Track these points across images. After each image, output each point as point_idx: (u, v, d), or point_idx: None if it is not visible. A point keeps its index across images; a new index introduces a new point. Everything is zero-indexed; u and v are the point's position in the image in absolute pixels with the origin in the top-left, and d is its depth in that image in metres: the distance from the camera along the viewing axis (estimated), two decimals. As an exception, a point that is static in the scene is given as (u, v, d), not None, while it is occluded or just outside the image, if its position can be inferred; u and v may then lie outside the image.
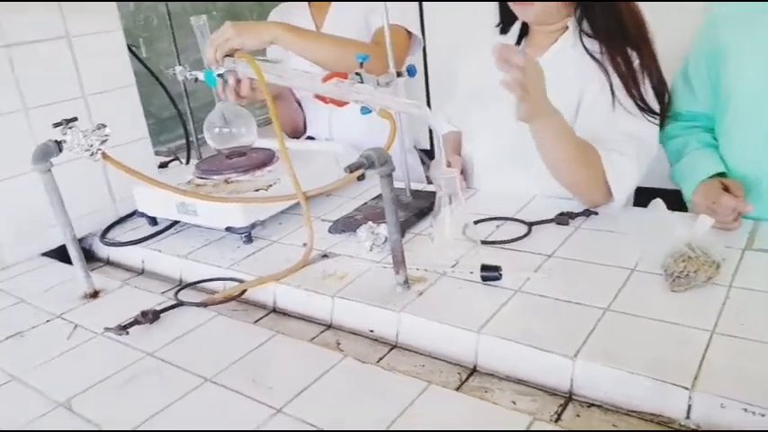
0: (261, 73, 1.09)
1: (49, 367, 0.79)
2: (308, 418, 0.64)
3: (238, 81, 1.14)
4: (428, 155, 1.81)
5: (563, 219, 0.99)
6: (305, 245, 1.00)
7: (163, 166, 1.52)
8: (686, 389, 0.61)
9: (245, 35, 1.13)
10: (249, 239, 1.07)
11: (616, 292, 0.79)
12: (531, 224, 0.99)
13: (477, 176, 1.23)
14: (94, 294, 0.97)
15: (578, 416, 0.65)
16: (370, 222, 1.00)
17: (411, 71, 1.07)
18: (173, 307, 0.88)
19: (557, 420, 0.64)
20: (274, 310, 0.93)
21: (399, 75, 1.05)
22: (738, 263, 0.82)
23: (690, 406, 0.61)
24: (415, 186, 1.18)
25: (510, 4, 1.10)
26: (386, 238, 0.96)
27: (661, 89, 1.04)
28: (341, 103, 1.00)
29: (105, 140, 0.91)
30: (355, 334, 0.84)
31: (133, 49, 1.35)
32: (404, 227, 1.03)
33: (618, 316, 0.74)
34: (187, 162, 1.51)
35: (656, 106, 1.03)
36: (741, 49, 1.00)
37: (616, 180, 0.99)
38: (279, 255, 1.02)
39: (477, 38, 1.31)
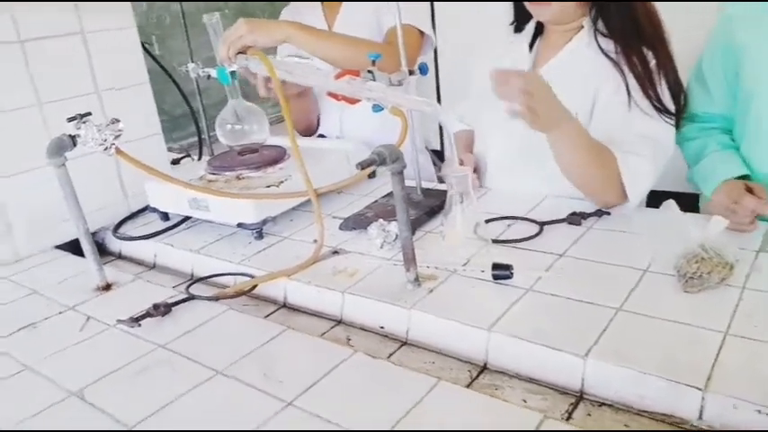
0: (273, 70, 1.10)
1: (61, 357, 0.80)
2: (319, 411, 0.64)
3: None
4: (439, 156, 1.81)
5: (575, 219, 0.99)
6: (315, 241, 1.00)
7: (175, 162, 1.53)
8: (699, 389, 0.61)
9: (258, 32, 1.14)
10: (260, 235, 1.08)
11: (628, 293, 0.78)
12: (542, 224, 0.99)
13: (489, 176, 1.23)
14: (107, 287, 0.97)
15: (589, 415, 0.65)
16: (381, 220, 1.00)
17: (423, 69, 1.07)
18: (184, 300, 0.89)
19: (567, 419, 0.64)
20: (285, 306, 0.93)
21: (411, 73, 1.05)
22: (752, 264, 0.82)
23: (702, 407, 0.61)
24: (425, 185, 1.18)
25: (526, 3, 1.10)
26: (396, 236, 0.96)
27: (677, 90, 1.04)
28: (353, 101, 1.00)
29: (119, 135, 0.92)
30: (365, 330, 0.84)
31: (147, 46, 1.36)
32: (414, 225, 1.03)
33: (630, 316, 0.74)
34: (199, 158, 1.52)
35: (672, 107, 1.03)
36: (760, 50, 0.99)
37: (631, 182, 0.98)
38: (289, 251, 1.02)
39: (489, 37, 1.31)
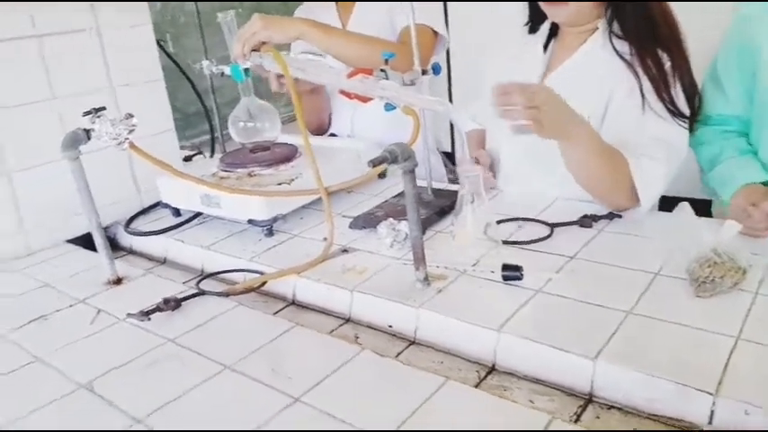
0: (287, 67, 1.10)
1: (72, 350, 0.80)
2: (326, 408, 0.64)
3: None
4: (449, 158, 1.81)
5: (586, 221, 0.98)
6: (325, 239, 1.00)
7: (187, 159, 1.54)
8: (710, 394, 0.60)
9: (273, 28, 1.14)
10: (270, 233, 1.08)
11: (639, 296, 0.78)
12: (553, 225, 0.98)
13: (501, 178, 1.23)
14: (118, 281, 0.98)
15: (598, 417, 0.64)
16: (391, 219, 1.00)
17: (436, 69, 1.07)
18: (194, 295, 0.89)
19: (576, 421, 0.64)
20: (293, 303, 0.93)
21: (425, 72, 1.05)
22: (765, 269, 0.81)
23: (713, 411, 0.60)
24: (436, 185, 1.18)
25: (541, 3, 1.10)
26: (406, 235, 0.96)
27: (692, 92, 1.03)
28: (365, 99, 1.00)
29: (132, 130, 0.93)
30: (373, 329, 0.84)
31: (161, 43, 1.37)
32: (425, 225, 1.03)
33: (640, 319, 0.73)
34: (211, 156, 1.53)
35: (686, 110, 1.02)
36: None
37: (644, 185, 0.97)
38: (299, 249, 1.02)
39: (502, 37, 1.31)
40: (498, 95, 0.86)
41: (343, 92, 1.04)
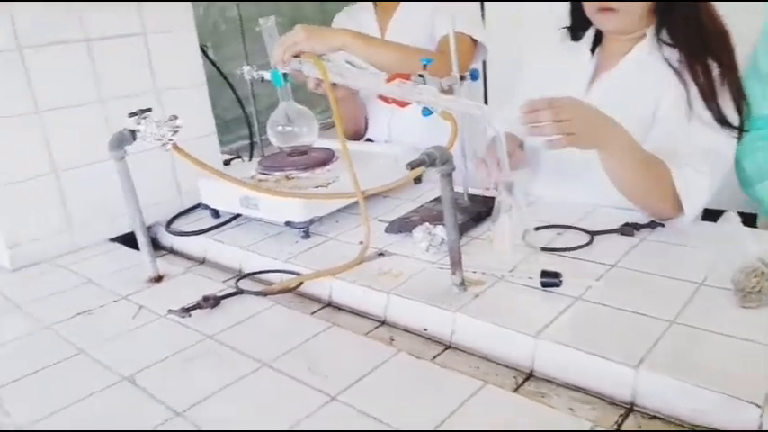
0: (326, 73, 1.12)
1: (114, 343, 0.82)
2: (362, 407, 0.64)
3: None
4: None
5: (627, 229, 0.97)
6: (361, 243, 1.01)
7: (226, 163, 1.56)
8: (758, 406, 0.58)
9: (315, 40, 1.16)
10: (307, 235, 1.09)
11: (682, 306, 0.76)
12: (593, 233, 0.97)
13: (540, 184, 1.22)
14: (159, 279, 1.00)
15: (639, 427, 0.63)
16: (427, 224, 1.00)
17: (474, 75, 1.07)
18: (233, 294, 0.91)
19: (617, 431, 0.63)
20: (329, 305, 0.94)
21: (462, 78, 1.05)
22: (815, 282, 0.78)
23: (761, 424, 0.58)
24: (472, 191, 1.17)
25: (590, 13, 1.09)
26: (442, 240, 0.96)
27: (739, 101, 1.01)
28: (403, 104, 1.01)
29: (176, 131, 0.95)
30: (409, 332, 0.84)
31: (204, 49, 1.41)
32: (461, 230, 1.02)
33: (684, 329, 0.72)
34: (250, 159, 1.55)
35: (734, 119, 1.00)
36: None
37: (688, 196, 0.96)
38: (335, 251, 1.03)
39: (540, 41, 1.30)
40: (526, 113, 0.86)
41: (381, 96, 1.04)
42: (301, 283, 0.95)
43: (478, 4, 1.50)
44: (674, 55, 1.03)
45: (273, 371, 0.72)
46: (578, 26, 1.18)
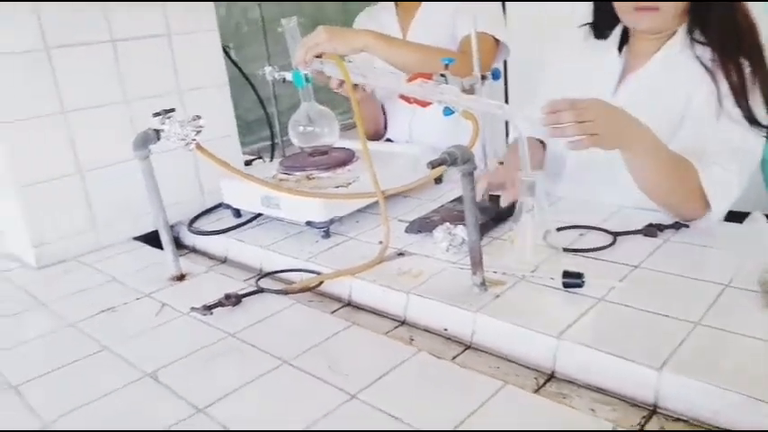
0: (348, 74, 1.12)
1: (137, 340, 0.83)
2: (382, 406, 0.64)
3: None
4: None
5: (651, 230, 0.95)
6: (381, 243, 1.01)
7: (247, 163, 1.58)
8: (785, 409, 0.57)
9: (337, 41, 1.17)
10: (327, 234, 1.10)
11: (707, 307, 0.75)
12: (616, 234, 0.96)
13: (565, 184, 1.21)
14: (181, 277, 1.01)
15: (662, 428, 0.62)
16: (447, 224, 1.00)
17: (495, 74, 1.06)
18: (254, 293, 0.91)
19: (640, 431, 0.62)
20: (349, 304, 0.94)
21: (484, 78, 1.04)
22: None
23: (788, 428, 0.57)
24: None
25: (622, 10, 1.07)
26: (463, 240, 0.96)
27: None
28: (424, 103, 1.00)
29: (200, 131, 0.96)
30: (429, 332, 0.84)
31: (227, 49, 1.42)
32: (482, 230, 1.01)
33: (709, 330, 0.70)
34: (271, 160, 1.56)
35: (764, 118, 0.98)
36: None
37: (715, 194, 0.94)
38: (355, 251, 1.03)
39: (562, 40, 1.29)
40: (548, 114, 0.86)
41: (402, 96, 1.05)
42: (321, 283, 0.96)
43: (500, 3, 1.49)
44: (705, 53, 1.02)
45: (294, 369, 0.72)
46: (604, 24, 1.16)
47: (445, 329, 0.83)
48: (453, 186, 1.26)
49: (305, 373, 0.71)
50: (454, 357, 0.78)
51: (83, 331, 0.87)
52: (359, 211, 1.16)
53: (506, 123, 1.62)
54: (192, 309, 0.86)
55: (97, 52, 1.15)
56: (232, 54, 1.54)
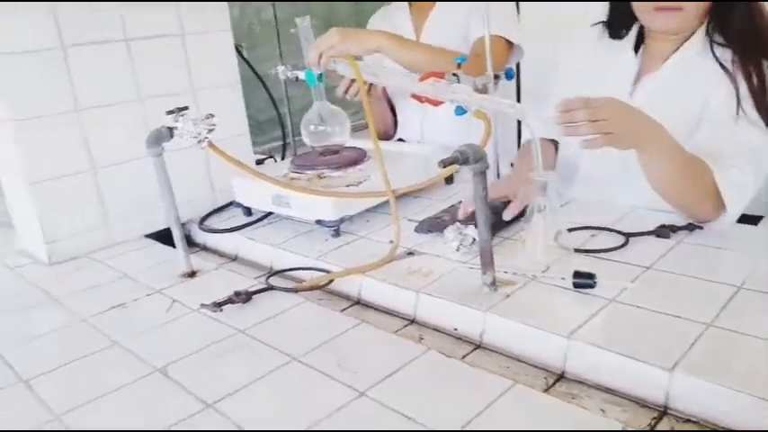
0: (360, 73, 1.12)
1: (148, 336, 0.84)
2: (391, 403, 0.64)
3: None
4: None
5: (664, 231, 0.95)
6: (391, 242, 1.01)
7: (259, 163, 1.58)
8: (799, 412, 0.56)
9: (350, 42, 1.17)
10: (337, 233, 1.10)
11: (720, 309, 0.74)
12: (628, 235, 0.95)
13: (579, 185, 1.20)
14: (192, 274, 1.02)
15: (673, 429, 0.61)
16: (458, 223, 1.00)
17: (508, 74, 1.07)
18: (264, 290, 0.92)
19: (651, 431, 0.61)
20: (358, 302, 0.94)
21: (497, 77, 1.04)
22: None
23: (802, 431, 0.56)
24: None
25: (642, 11, 1.06)
26: (473, 239, 0.96)
27: None
28: (437, 102, 1.00)
29: (212, 129, 0.96)
30: (438, 331, 0.84)
31: (239, 49, 1.43)
32: (492, 230, 1.01)
33: (721, 332, 0.70)
34: (282, 159, 1.57)
35: None
36: None
37: (731, 195, 0.93)
38: (365, 250, 1.03)
39: (576, 40, 1.28)
40: (561, 113, 0.85)
41: (414, 95, 1.05)
42: (331, 281, 0.96)
43: (514, 3, 1.49)
44: (725, 54, 1.01)
45: (303, 365, 0.72)
46: (621, 24, 1.15)
47: (455, 329, 0.83)
48: (465, 187, 1.26)
49: (314, 370, 0.71)
50: (463, 357, 0.77)
51: (94, 327, 0.88)
52: (369, 210, 1.16)
53: (518, 124, 1.61)
54: (203, 305, 0.87)
55: (111, 51, 1.16)
56: (244, 54, 1.54)
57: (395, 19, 1.56)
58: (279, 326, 0.83)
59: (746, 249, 0.89)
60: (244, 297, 0.88)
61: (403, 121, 1.63)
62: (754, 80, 0.97)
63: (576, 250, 0.93)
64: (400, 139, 1.64)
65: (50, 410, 0.69)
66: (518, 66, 2.08)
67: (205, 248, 1.24)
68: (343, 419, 0.63)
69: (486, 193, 0.81)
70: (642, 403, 0.65)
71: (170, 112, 0.95)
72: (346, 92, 1.37)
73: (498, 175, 1.21)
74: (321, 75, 1.22)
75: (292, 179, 1.20)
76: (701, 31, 1.05)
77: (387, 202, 1.07)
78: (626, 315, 0.75)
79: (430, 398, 0.65)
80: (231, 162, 1.00)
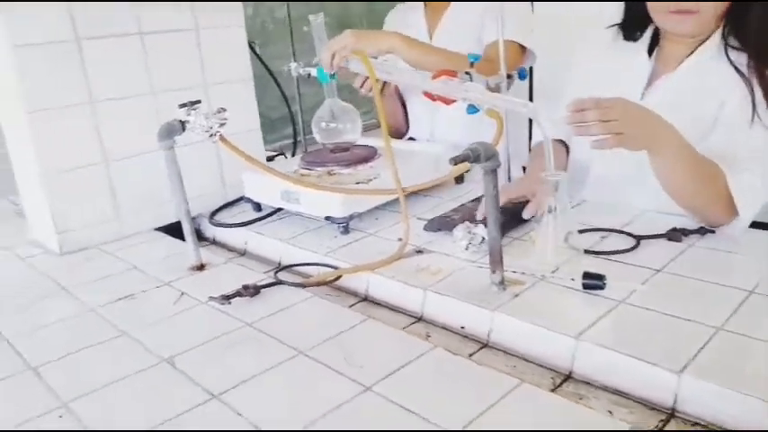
0: (372, 71, 1.12)
1: (155, 327, 0.84)
2: (397, 399, 0.64)
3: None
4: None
5: (675, 235, 0.94)
6: (400, 239, 1.01)
7: (269, 159, 1.59)
8: (810, 418, 0.56)
9: (364, 43, 1.18)
10: (346, 230, 1.10)
11: (730, 313, 0.73)
12: (639, 238, 0.95)
13: (590, 187, 1.20)
14: (201, 267, 1.02)
15: (681, 432, 0.61)
16: (468, 222, 0.99)
17: (521, 74, 1.06)
18: (272, 284, 0.92)
19: (659, 431, 0.61)
20: (366, 299, 0.94)
21: (509, 77, 1.04)
22: None
23: (813, 436, 0.55)
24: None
25: (657, 12, 1.06)
26: (483, 239, 0.95)
27: None
28: (448, 101, 1.00)
29: (224, 123, 0.97)
30: (446, 329, 0.84)
31: (253, 46, 1.43)
32: (502, 230, 1.01)
33: (731, 336, 0.69)
34: (293, 155, 1.57)
35: None
36: None
37: (743, 199, 0.92)
38: (373, 247, 1.03)
39: (590, 41, 1.27)
40: (572, 112, 0.85)
41: (426, 93, 1.05)
42: (339, 277, 0.96)
43: (529, 6, 1.48)
44: (740, 58, 1.00)
45: (309, 359, 0.72)
46: (635, 26, 1.14)
47: (462, 327, 0.82)
48: (474, 187, 1.26)
49: (320, 364, 0.71)
50: (470, 355, 0.77)
51: (102, 317, 0.88)
52: (378, 208, 1.16)
53: (529, 127, 1.61)
54: (211, 298, 0.87)
55: (126, 44, 1.17)
56: (257, 51, 1.55)
57: (409, 18, 1.56)
58: (286, 320, 0.83)
59: (758, 254, 0.89)
60: (252, 291, 0.88)
61: (413, 120, 1.63)
62: None
63: (586, 251, 0.93)
64: (411, 138, 1.64)
65: (58, 398, 0.69)
66: (531, 71, 2.08)
67: (214, 243, 1.25)
68: (349, 413, 0.63)
69: (497, 191, 0.81)
70: (650, 405, 0.65)
71: (182, 106, 0.96)
72: (362, 85, 1.37)
73: (509, 177, 1.20)
74: (333, 73, 1.22)
75: (302, 175, 1.20)
76: (717, 35, 1.04)
77: (396, 201, 1.07)
78: (635, 317, 0.75)
79: (436, 394, 0.65)
80: (242, 156, 1.00)
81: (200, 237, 1.27)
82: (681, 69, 1.07)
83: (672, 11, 1.02)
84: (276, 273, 0.99)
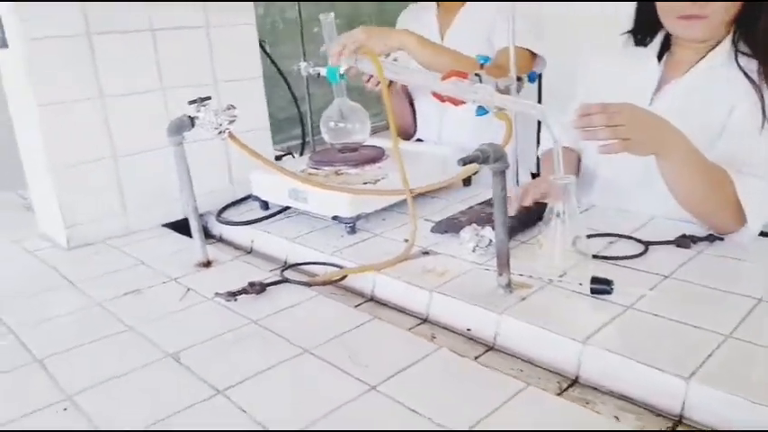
0: (382, 70, 1.12)
1: (161, 322, 0.84)
2: (401, 399, 0.64)
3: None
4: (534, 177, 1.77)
5: (684, 241, 0.93)
6: (406, 240, 1.00)
7: (277, 158, 1.59)
8: (819, 427, 0.55)
9: (374, 39, 1.18)
10: (353, 230, 1.10)
11: (739, 321, 0.73)
12: (647, 243, 0.94)
13: (598, 192, 1.19)
14: (207, 264, 1.02)
15: (689, 439, 0.60)
16: (475, 224, 0.99)
17: (531, 76, 1.06)
18: (278, 282, 0.92)
19: (665, 439, 0.60)
20: (372, 299, 0.94)
21: (519, 80, 1.04)
22: None
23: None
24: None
25: (666, 17, 1.05)
26: (490, 241, 0.95)
27: None
28: (457, 102, 1.00)
29: (233, 120, 0.97)
30: (451, 331, 0.83)
31: (263, 45, 1.43)
32: (510, 233, 1.00)
33: (740, 344, 0.68)
34: (301, 155, 1.57)
35: None
36: None
37: (752, 208, 0.92)
38: (380, 247, 1.03)
39: (600, 45, 1.27)
40: (579, 116, 0.85)
41: (435, 95, 1.04)
42: (345, 276, 0.96)
43: (540, 12, 1.48)
44: (750, 65, 1.00)
45: (315, 357, 0.72)
46: (645, 31, 1.14)
47: (468, 329, 0.82)
48: (481, 190, 1.26)
49: (325, 363, 0.71)
50: (476, 358, 0.77)
51: (108, 311, 0.88)
52: (385, 209, 1.16)
53: (537, 131, 1.60)
54: (217, 294, 0.87)
55: (137, 40, 1.17)
56: (267, 50, 1.55)
57: (421, 18, 1.56)
58: (292, 318, 0.83)
59: (766, 262, 0.88)
60: (258, 288, 0.88)
61: (422, 121, 1.63)
62: None
63: (594, 256, 0.92)
64: (418, 140, 1.64)
65: (63, 390, 0.69)
66: (540, 75, 2.07)
67: (221, 240, 1.25)
68: (353, 412, 0.62)
69: (505, 192, 0.80)
70: (657, 411, 0.64)
71: (192, 102, 0.96)
72: (368, 80, 1.37)
73: (518, 180, 1.20)
74: (343, 73, 1.22)
75: (310, 175, 1.20)
76: (728, 41, 1.04)
77: (403, 202, 1.06)
78: (643, 323, 0.74)
79: (440, 395, 0.65)
80: (251, 153, 1.00)
81: (207, 234, 1.26)
82: (690, 75, 1.07)
83: (681, 15, 1.02)
84: (282, 271, 0.99)
